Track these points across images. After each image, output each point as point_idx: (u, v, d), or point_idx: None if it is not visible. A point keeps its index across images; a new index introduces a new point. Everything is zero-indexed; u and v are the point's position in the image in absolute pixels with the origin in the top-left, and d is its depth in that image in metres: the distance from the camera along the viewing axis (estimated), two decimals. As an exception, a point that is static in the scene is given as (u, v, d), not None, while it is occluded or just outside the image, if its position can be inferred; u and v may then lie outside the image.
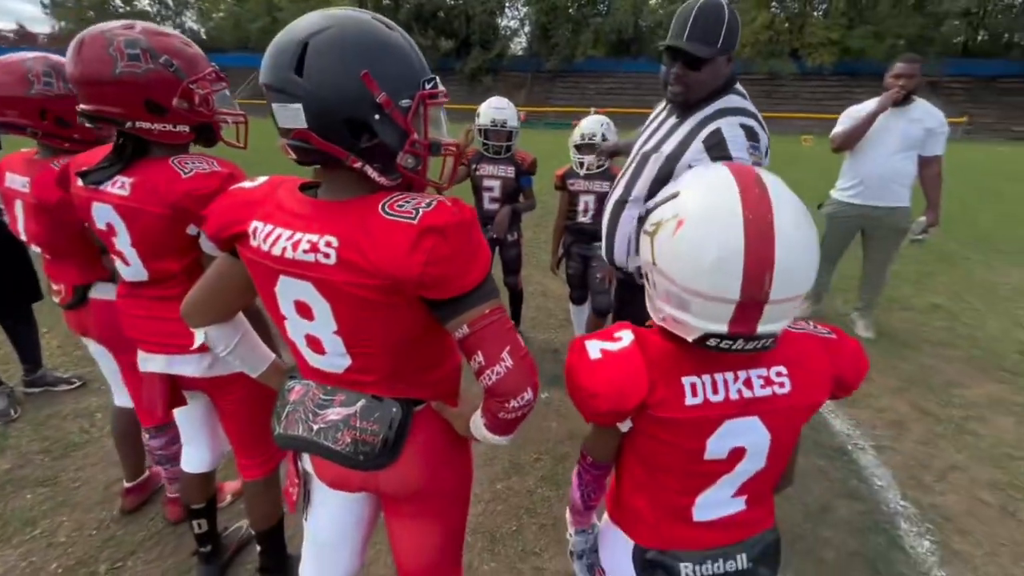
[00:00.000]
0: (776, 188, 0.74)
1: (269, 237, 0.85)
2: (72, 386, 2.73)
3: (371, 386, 0.95)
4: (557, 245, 3.10)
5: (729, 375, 0.82)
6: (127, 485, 1.95)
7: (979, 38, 32.76)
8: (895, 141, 3.09)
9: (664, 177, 1.58)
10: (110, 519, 1.94)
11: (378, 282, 0.81)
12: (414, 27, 35.82)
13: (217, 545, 1.72)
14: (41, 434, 2.38)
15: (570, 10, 34.08)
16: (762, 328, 0.73)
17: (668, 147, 1.61)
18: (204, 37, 45.18)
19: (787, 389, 0.82)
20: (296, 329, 0.92)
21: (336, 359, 0.92)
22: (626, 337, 0.85)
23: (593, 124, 2.86)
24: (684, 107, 1.63)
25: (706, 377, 0.81)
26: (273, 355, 1.15)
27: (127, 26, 1.22)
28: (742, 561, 0.88)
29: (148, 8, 43.82)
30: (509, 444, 0.99)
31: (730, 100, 1.57)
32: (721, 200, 0.73)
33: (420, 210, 0.79)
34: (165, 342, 1.34)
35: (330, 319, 0.87)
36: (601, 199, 2.87)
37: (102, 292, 1.67)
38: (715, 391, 0.81)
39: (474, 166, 2.98)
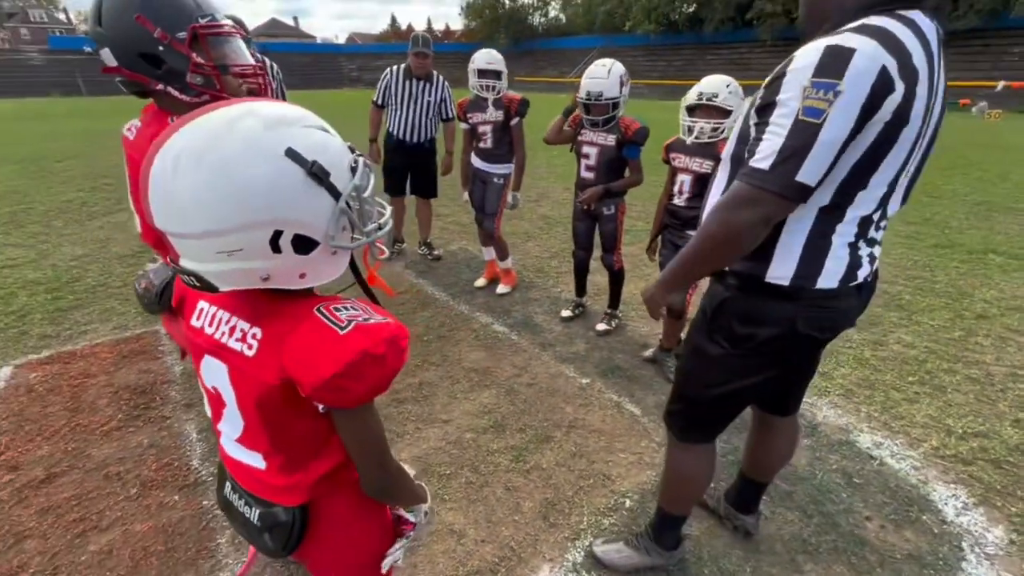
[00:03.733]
0: (195, 127, 0.66)
1: None
2: None
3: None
4: (656, 228, 2.72)
5: (224, 314, 0.81)
6: None
7: None
8: None
9: (744, 135, 1.12)
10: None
11: None
12: None
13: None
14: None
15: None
16: (184, 263, 0.71)
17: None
18: (563, 21, 51.48)
19: (252, 353, 0.76)
20: None
21: None
22: None
23: (716, 82, 2.33)
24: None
25: (211, 308, 0.83)
26: None
27: None
28: (253, 515, 0.88)
29: (527, 1, 52.23)
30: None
31: (871, 20, 0.95)
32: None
33: None
34: None
35: None
36: (699, 180, 2.38)
37: None
38: (211, 323, 0.82)
39: (580, 130, 2.86)
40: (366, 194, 0.77)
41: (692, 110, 2.39)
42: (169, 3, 1.15)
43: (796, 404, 1.52)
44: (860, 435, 2.26)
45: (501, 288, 3.72)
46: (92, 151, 9.85)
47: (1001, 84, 21.90)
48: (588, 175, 2.86)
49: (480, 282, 3.84)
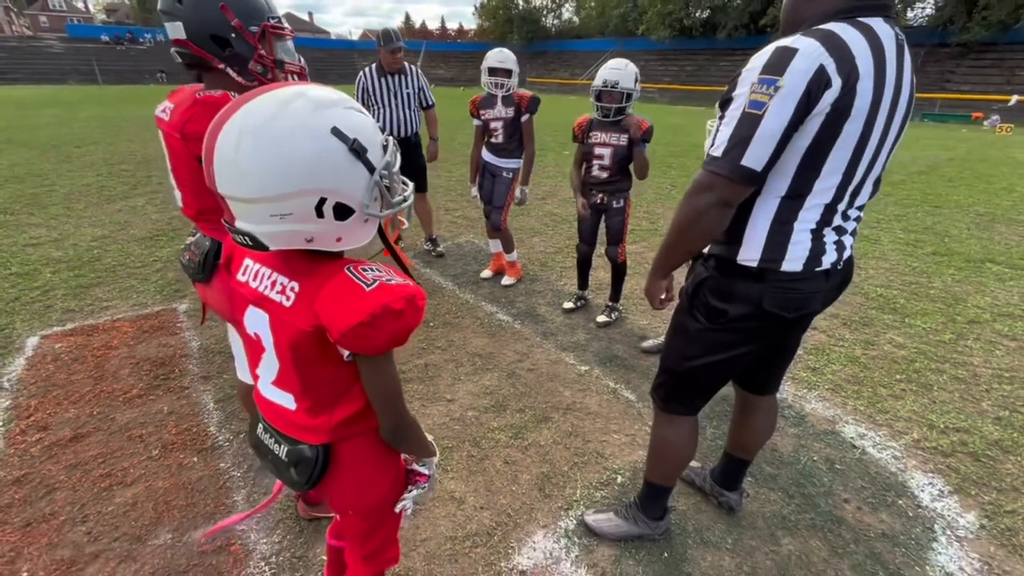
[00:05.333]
0: (252, 108, 0.77)
1: None
2: None
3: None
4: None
5: (266, 270, 0.92)
6: None
7: None
8: None
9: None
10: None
11: None
12: (777, 1, 31.99)
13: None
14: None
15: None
16: (239, 224, 0.81)
17: None
18: (576, 23, 51.52)
19: (289, 304, 0.87)
20: None
21: None
22: None
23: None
24: None
25: (256, 265, 0.94)
26: None
27: None
28: (281, 451, 0.99)
29: (540, 3, 52.35)
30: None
31: (826, 25, 1.07)
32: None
33: None
34: None
35: None
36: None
37: None
38: (255, 278, 0.93)
39: (588, 134, 2.96)
40: (394, 170, 0.89)
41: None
42: None
43: (775, 385, 1.62)
44: (845, 426, 2.36)
45: (506, 280, 3.83)
46: (109, 137, 10.05)
47: (1015, 99, 21.79)
48: (602, 174, 2.96)
49: (486, 273, 3.96)
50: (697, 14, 37.16)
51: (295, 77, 1.47)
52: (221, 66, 1.32)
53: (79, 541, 1.71)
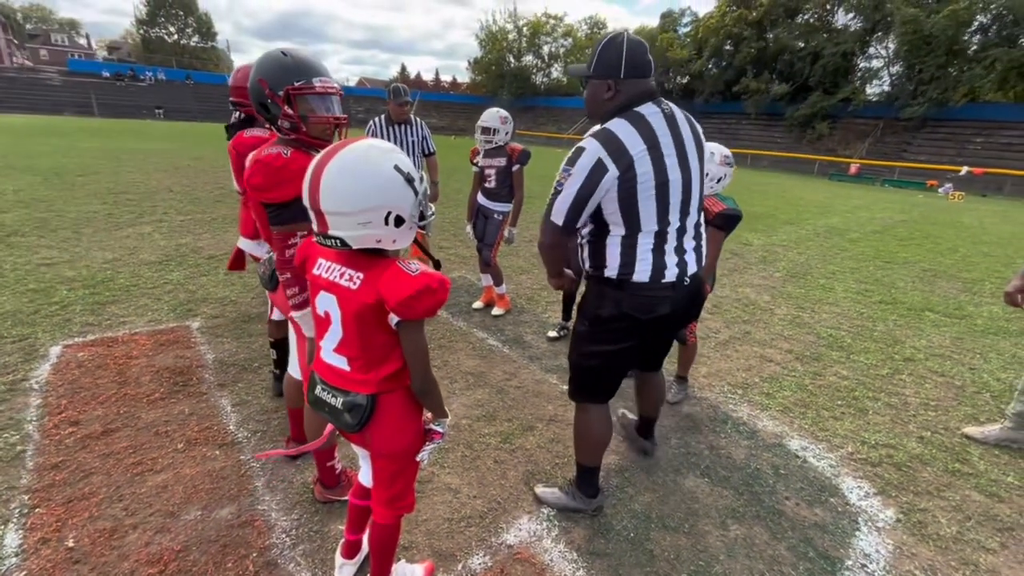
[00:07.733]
0: (345, 153, 1.15)
1: None
2: None
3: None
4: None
5: (336, 266, 1.27)
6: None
7: None
8: None
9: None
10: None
11: None
12: (749, 71, 34.74)
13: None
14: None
15: (961, 39, 26.55)
16: (332, 231, 1.18)
17: None
18: (564, 82, 54.53)
19: (355, 287, 1.22)
20: None
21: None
22: None
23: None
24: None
25: (328, 263, 1.29)
26: None
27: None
28: (338, 402, 1.31)
29: (530, 62, 55.50)
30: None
31: (609, 123, 1.60)
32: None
33: None
34: None
35: None
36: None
37: None
38: (327, 271, 1.28)
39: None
40: (428, 195, 1.28)
41: None
42: (280, 69, 1.60)
43: (657, 365, 2.18)
44: (791, 440, 2.71)
45: (496, 311, 4.19)
46: (111, 167, 10.37)
47: (964, 170, 23.66)
48: None
49: (478, 304, 4.31)
50: (677, 79, 39.93)
51: (339, 129, 1.82)
52: (267, 124, 1.69)
53: (118, 515, 1.93)
